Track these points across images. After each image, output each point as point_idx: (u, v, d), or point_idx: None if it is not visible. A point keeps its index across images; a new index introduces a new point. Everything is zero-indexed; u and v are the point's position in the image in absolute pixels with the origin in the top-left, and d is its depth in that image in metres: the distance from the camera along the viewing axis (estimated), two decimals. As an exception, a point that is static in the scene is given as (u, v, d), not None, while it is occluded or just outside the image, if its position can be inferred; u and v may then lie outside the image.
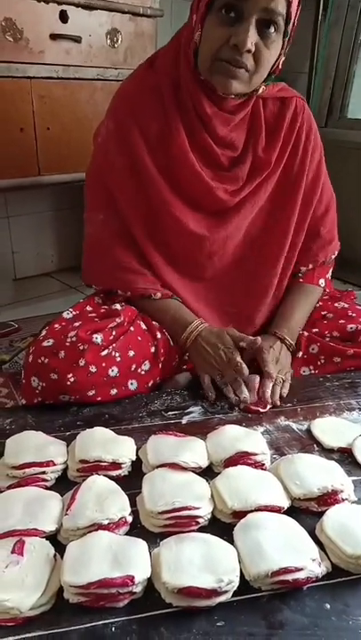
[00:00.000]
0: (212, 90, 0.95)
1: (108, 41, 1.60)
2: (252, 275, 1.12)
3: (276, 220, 1.11)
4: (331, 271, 1.22)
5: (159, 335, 1.05)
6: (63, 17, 1.47)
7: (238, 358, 0.99)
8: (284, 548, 0.63)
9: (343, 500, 0.74)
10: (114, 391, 0.99)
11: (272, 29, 0.88)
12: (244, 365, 0.98)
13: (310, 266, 1.17)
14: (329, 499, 0.73)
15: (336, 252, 1.21)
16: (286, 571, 0.61)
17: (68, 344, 0.95)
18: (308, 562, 0.62)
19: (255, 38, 0.87)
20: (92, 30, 1.55)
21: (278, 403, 0.99)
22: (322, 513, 0.70)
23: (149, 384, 1.04)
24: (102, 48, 1.59)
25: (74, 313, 1.05)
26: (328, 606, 0.61)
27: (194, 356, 1.05)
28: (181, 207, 1.04)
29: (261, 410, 0.97)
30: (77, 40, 1.52)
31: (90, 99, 1.62)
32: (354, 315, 1.14)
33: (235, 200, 1.06)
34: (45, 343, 0.96)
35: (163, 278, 1.07)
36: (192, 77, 0.96)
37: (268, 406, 0.98)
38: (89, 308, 1.07)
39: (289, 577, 0.61)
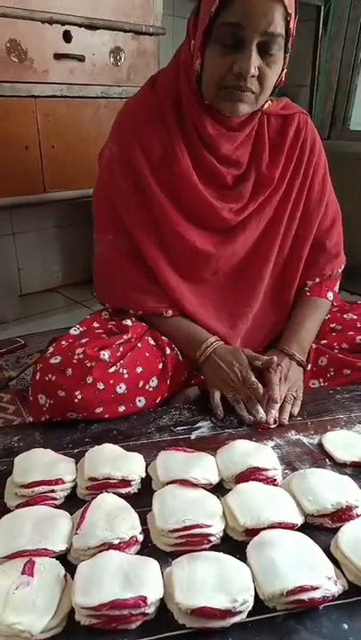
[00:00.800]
0: (216, 111, 0.96)
1: (112, 59, 1.62)
2: (253, 282, 1.12)
3: (277, 232, 1.11)
4: (338, 284, 1.22)
5: (168, 351, 1.05)
6: (67, 37, 1.50)
7: (253, 378, 0.97)
8: (299, 567, 0.62)
9: (358, 515, 0.72)
10: (122, 408, 0.98)
11: (273, 50, 0.88)
12: (259, 385, 0.96)
13: (317, 279, 1.17)
14: (343, 515, 0.71)
15: (343, 266, 1.21)
16: (302, 589, 0.59)
17: (75, 361, 0.95)
18: (323, 580, 0.61)
19: (258, 62, 0.87)
20: (96, 49, 1.57)
21: (286, 422, 0.97)
22: (337, 529, 0.69)
23: (157, 400, 1.03)
24: (106, 66, 1.62)
25: (81, 329, 1.05)
26: (346, 626, 0.59)
27: (207, 371, 1.04)
28: (186, 225, 1.04)
29: (272, 426, 0.96)
30: (81, 59, 1.54)
31: (94, 116, 1.64)
32: (362, 326, 1.13)
33: (239, 218, 1.06)
34: (53, 360, 0.96)
35: (173, 293, 1.06)
36: (194, 100, 0.97)
37: (273, 425, 0.96)
38: (96, 325, 1.07)
39: (305, 596, 0.59)
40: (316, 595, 0.60)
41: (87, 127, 1.63)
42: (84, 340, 0.99)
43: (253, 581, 0.61)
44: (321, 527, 0.72)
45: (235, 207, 1.05)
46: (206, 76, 0.92)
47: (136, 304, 1.07)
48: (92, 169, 1.67)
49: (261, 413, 0.95)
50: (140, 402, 1.00)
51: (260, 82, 0.90)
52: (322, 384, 1.11)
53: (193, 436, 0.94)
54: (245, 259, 1.10)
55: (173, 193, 1.02)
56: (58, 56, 1.50)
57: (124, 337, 1.00)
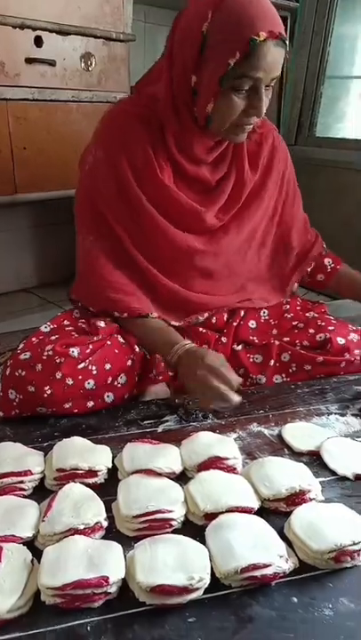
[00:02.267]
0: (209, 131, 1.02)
1: (83, 64, 1.65)
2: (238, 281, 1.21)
3: (260, 241, 1.22)
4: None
5: (137, 349, 1.08)
6: (38, 42, 1.52)
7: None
8: (253, 547, 0.66)
9: (311, 499, 0.77)
10: (90, 403, 1.01)
11: (272, 85, 0.96)
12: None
13: (327, 260, 1.30)
14: (297, 499, 0.76)
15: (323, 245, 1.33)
16: (255, 567, 0.63)
17: (44, 357, 0.97)
18: (275, 558, 0.65)
19: (264, 99, 0.95)
20: (67, 54, 1.60)
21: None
22: (290, 513, 0.73)
23: (125, 396, 1.06)
24: (77, 71, 1.64)
25: (51, 327, 1.07)
26: (295, 600, 0.63)
27: (181, 375, 1.00)
28: (171, 229, 1.08)
29: None
30: (52, 64, 1.57)
31: (65, 120, 1.66)
32: (323, 324, 1.18)
33: (220, 223, 1.12)
34: (22, 356, 0.98)
35: (158, 282, 1.10)
36: (187, 126, 1.01)
37: None
38: (66, 322, 1.10)
39: (257, 573, 0.63)
40: (268, 571, 0.64)
41: (59, 130, 1.65)
42: (53, 337, 1.02)
43: (211, 561, 0.65)
44: (276, 511, 0.76)
45: (215, 208, 1.11)
46: (219, 118, 0.97)
47: (121, 306, 1.07)
48: (63, 171, 1.70)
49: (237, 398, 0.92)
50: (109, 397, 1.03)
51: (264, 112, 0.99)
52: (284, 379, 1.16)
53: (160, 430, 0.98)
54: (228, 261, 1.17)
55: (156, 198, 1.05)
56: (29, 60, 1.52)
57: (95, 338, 1.03)
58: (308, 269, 1.29)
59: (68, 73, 1.63)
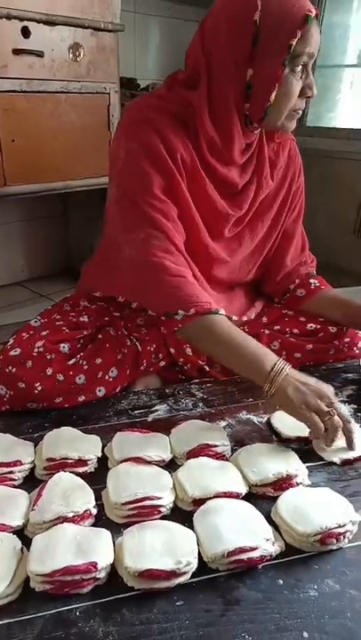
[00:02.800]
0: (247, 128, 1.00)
1: (71, 55, 1.64)
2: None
3: (263, 250, 1.19)
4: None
5: (128, 342, 1.08)
6: (25, 32, 1.51)
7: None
8: (240, 531, 0.67)
9: (298, 484, 0.78)
10: (81, 398, 1.01)
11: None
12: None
13: (312, 280, 1.22)
14: (284, 483, 0.77)
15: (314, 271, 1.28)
16: (241, 550, 0.64)
17: (35, 354, 0.97)
18: (262, 541, 0.66)
19: None
20: (55, 45, 1.59)
21: None
22: (278, 497, 0.74)
23: (117, 389, 1.07)
24: (65, 62, 1.63)
25: (42, 321, 1.07)
26: (281, 582, 0.64)
27: (292, 396, 0.85)
28: (203, 231, 1.05)
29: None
30: (40, 55, 1.56)
31: (54, 111, 1.65)
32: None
33: (235, 230, 1.10)
34: (13, 352, 0.98)
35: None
36: (231, 125, 0.97)
37: None
38: (57, 316, 1.09)
39: (244, 556, 0.64)
40: (255, 554, 0.65)
41: (48, 121, 1.64)
42: (44, 332, 1.02)
43: (199, 546, 0.66)
44: (264, 496, 0.77)
45: (241, 212, 1.08)
46: (280, 105, 0.94)
47: (188, 301, 0.91)
48: (53, 163, 1.69)
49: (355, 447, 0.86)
50: (100, 391, 1.03)
51: None
52: (275, 368, 1.17)
53: (150, 419, 0.99)
54: (236, 267, 1.16)
55: (195, 200, 1.01)
56: (17, 51, 1.51)
57: (84, 332, 1.03)
58: (291, 287, 1.21)
59: (56, 64, 1.61)
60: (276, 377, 0.85)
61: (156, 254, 0.94)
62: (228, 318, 0.95)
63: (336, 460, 0.85)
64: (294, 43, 0.89)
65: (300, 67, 0.92)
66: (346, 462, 0.85)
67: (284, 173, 1.15)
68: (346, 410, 0.86)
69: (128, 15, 2.13)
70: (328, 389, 0.87)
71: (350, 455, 0.86)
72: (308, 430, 0.90)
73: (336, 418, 0.82)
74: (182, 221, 1.00)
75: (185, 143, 0.97)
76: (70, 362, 0.98)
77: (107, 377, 1.04)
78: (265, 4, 0.88)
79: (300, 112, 1.00)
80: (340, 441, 0.85)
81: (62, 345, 0.99)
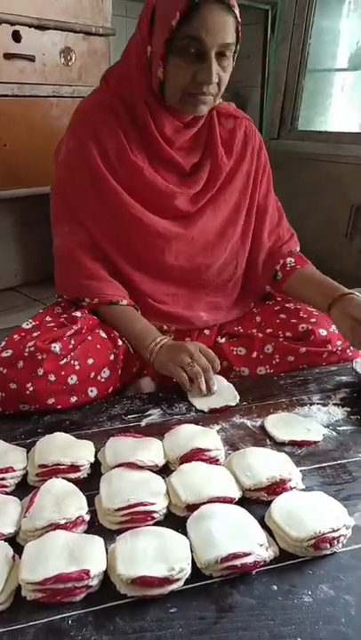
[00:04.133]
0: (173, 109, 1.03)
1: (62, 59, 1.64)
2: (210, 268, 1.19)
3: (236, 222, 1.20)
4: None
5: (120, 342, 1.08)
6: (16, 37, 1.51)
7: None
8: (234, 536, 0.67)
9: (291, 488, 0.78)
10: (74, 399, 1.01)
11: (227, 56, 0.97)
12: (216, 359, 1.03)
13: (280, 261, 1.23)
14: (278, 488, 0.77)
15: (298, 246, 1.29)
16: (235, 556, 0.64)
17: (26, 354, 0.97)
18: (255, 547, 0.65)
19: (216, 70, 0.96)
20: (46, 49, 1.59)
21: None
22: (271, 502, 0.74)
23: (109, 390, 1.07)
24: (57, 66, 1.63)
25: (33, 323, 1.07)
26: (275, 588, 0.64)
27: (163, 355, 1.03)
28: (147, 213, 1.09)
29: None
30: (31, 59, 1.56)
31: (46, 115, 1.65)
32: (305, 315, 1.19)
33: (196, 207, 1.13)
34: (4, 354, 0.98)
35: (129, 281, 1.11)
36: (153, 102, 1.03)
37: (237, 399, 1.03)
38: (48, 318, 1.09)
39: (237, 562, 0.64)
40: (248, 560, 0.64)
41: (39, 125, 1.64)
42: (35, 334, 1.01)
43: (192, 552, 0.66)
44: (258, 500, 0.77)
45: (192, 192, 1.12)
46: (170, 84, 0.98)
47: (92, 292, 1.09)
48: (46, 167, 1.68)
49: (214, 389, 1.01)
50: (92, 392, 1.03)
51: (218, 85, 0.99)
52: (268, 370, 1.17)
53: (143, 424, 0.98)
54: (203, 247, 1.16)
55: (131, 185, 1.07)
56: (8, 56, 1.51)
57: (74, 327, 1.03)
58: (276, 268, 1.23)
59: (47, 68, 1.62)
60: (155, 347, 1.04)
61: (75, 247, 1.09)
62: (134, 308, 1.11)
63: (205, 408, 0.99)
64: (174, 24, 0.90)
65: (193, 50, 0.93)
66: (213, 411, 0.99)
67: (242, 151, 1.17)
68: (205, 361, 1.01)
69: (119, 19, 2.13)
70: (193, 346, 1.02)
71: (217, 404, 1.00)
72: (301, 433, 0.91)
73: (196, 367, 0.99)
74: (118, 210, 1.07)
75: (119, 138, 1.04)
76: (62, 362, 0.98)
77: (99, 377, 1.04)
78: None
79: (206, 98, 0.99)
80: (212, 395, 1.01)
81: (53, 345, 0.98)
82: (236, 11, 0.94)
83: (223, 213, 1.18)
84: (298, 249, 1.28)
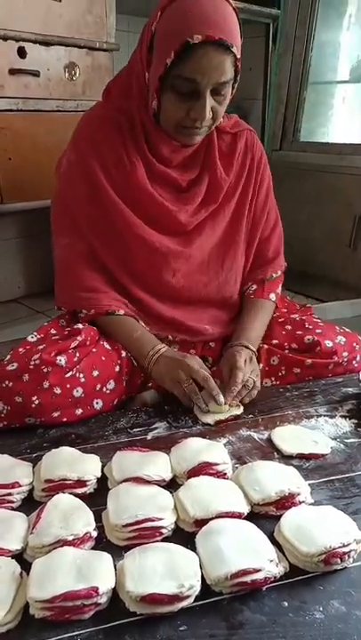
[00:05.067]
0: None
1: (67, 74, 1.65)
2: (210, 285, 1.18)
3: (234, 239, 1.19)
4: (280, 286, 1.28)
5: (124, 354, 1.08)
6: (21, 53, 1.52)
7: (204, 372, 1.02)
8: (243, 552, 0.66)
9: (300, 502, 0.77)
10: (79, 411, 1.00)
11: (224, 91, 0.96)
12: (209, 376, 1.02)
13: (251, 284, 1.23)
14: (287, 502, 0.76)
15: (282, 269, 1.27)
16: (245, 572, 0.63)
17: (31, 367, 0.97)
18: (265, 563, 0.65)
19: (211, 104, 0.95)
20: (51, 65, 1.60)
21: (246, 401, 1.04)
22: (280, 517, 0.73)
23: (114, 402, 1.06)
24: (61, 81, 1.65)
25: (38, 336, 1.07)
26: (286, 604, 0.63)
27: (161, 369, 1.05)
28: (146, 229, 1.09)
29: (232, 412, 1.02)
30: (36, 74, 1.57)
31: (50, 129, 1.66)
32: (311, 327, 1.19)
33: (195, 222, 1.13)
34: (9, 367, 0.98)
35: (129, 294, 1.11)
36: (149, 122, 1.03)
37: (241, 409, 1.03)
38: (53, 331, 1.09)
39: (247, 578, 0.63)
40: (259, 576, 0.64)
41: (43, 140, 1.65)
42: (40, 347, 1.01)
43: (201, 568, 0.65)
44: (266, 515, 0.76)
45: (190, 208, 1.11)
46: (164, 117, 0.99)
47: (89, 303, 1.09)
48: (49, 180, 1.69)
49: (221, 398, 1.00)
50: (98, 404, 1.03)
51: (214, 116, 0.99)
52: (274, 382, 1.17)
53: (149, 437, 0.98)
54: (202, 263, 1.16)
55: (130, 199, 1.07)
56: (13, 71, 1.52)
57: (78, 339, 1.03)
58: (245, 287, 1.24)
59: (52, 83, 1.63)
60: (153, 356, 1.05)
61: (74, 259, 1.10)
62: (135, 319, 1.11)
63: (210, 421, 0.98)
64: (168, 62, 0.90)
65: (187, 90, 0.92)
66: (219, 422, 0.98)
67: (242, 163, 1.16)
68: (204, 373, 1.01)
69: (122, 34, 2.15)
70: (190, 360, 1.03)
71: (222, 416, 0.99)
72: (309, 446, 0.91)
73: (191, 386, 1.00)
74: (117, 223, 1.07)
75: (120, 152, 1.05)
76: (67, 374, 0.98)
77: (104, 389, 1.04)
78: (163, 16, 0.91)
79: (199, 130, 1.00)
80: (214, 405, 1.00)
81: (59, 358, 0.98)
82: (235, 49, 0.90)
83: (222, 230, 1.17)
84: (277, 274, 1.25)
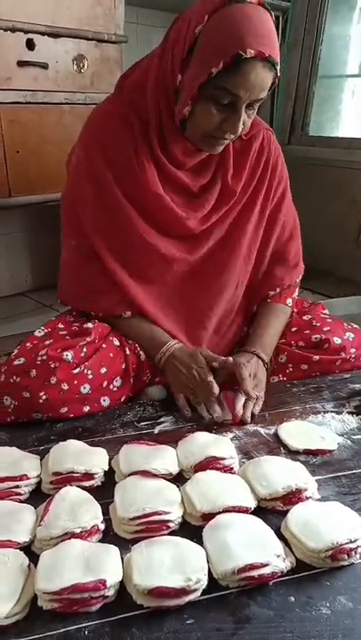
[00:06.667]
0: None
1: (75, 66, 1.64)
2: (210, 288, 1.15)
3: (239, 242, 1.14)
4: (297, 291, 1.26)
5: (128, 351, 1.08)
6: (30, 45, 1.52)
7: (210, 378, 1.00)
8: (250, 546, 0.66)
9: (307, 498, 0.77)
10: (86, 408, 1.01)
11: (258, 103, 0.93)
12: (214, 384, 0.99)
13: (278, 290, 1.21)
14: (294, 497, 0.76)
15: (301, 276, 1.26)
16: (252, 567, 0.63)
17: (39, 362, 0.97)
18: (272, 558, 0.65)
19: (243, 119, 0.92)
20: (59, 57, 1.60)
21: (249, 420, 0.99)
22: (287, 512, 0.73)
23: (121, 399, 1.06)
24: (69, 73, 1.64)
25: (45, 331, 1.07)
26: (293, 599, 0.63)
27: (168, 375, 1.07)
28: (152, 233, 1.06)
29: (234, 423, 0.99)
30: (44, 66, 1.56)
31: (58, 122, 1.66)
32: (318, 324, 1.18)
33: (203, 227, 1.09)
34: (17, 362, 0.98)
35: (132, 296, 1.08)
36: (169, 122, 0.98)
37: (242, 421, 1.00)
38: (60, 326, 1.09)
39: (254, 573, 0.63)
40: (266, 571, 0.64)
41: (52, 132, 1.65)
42: (47, 342, 1.01)
43: (208, 562, 0.65)
44: (273, 510, 0.76)
45: (199, 215, 1.08)
46: (194, 124, 0.94)
47: (96, 306, 1.10)
48: (57, 174, 1.69)
49: (218, 412, 0.98)
50: (105, 401, 1.03)
51: (243, 129, 0.95)
52: (281, 379, 1.16)
53: (156, 431, 0.98)
54: (203, 264, 1.13)
55: (138, 202, 1.03)
56: (21, 63, 1.51)
57: (87, 339, 1.02)
58: (270, 293, 1.20)
59: (60, 75, 1.62)
60: (162, 358, 1.06)
61: (81, 262, 1.10)
62: (144, 318, 1.10)
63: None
64: (214, 72, 0.86)
65: (226, 101, 0.89)
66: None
67: (255, 164, 1.12)
68: (205, 390, 1.00)
69: (131, 26, 2.14)
70: (199, 376, 1.01)
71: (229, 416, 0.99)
72: (315, 441, 0.90)
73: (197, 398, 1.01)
74: (123, 226, 1.05)
75: (129, 152, 1.00)
76: (75, 371, 0.98)
77: (111, 386, 1.04)
78: (212, 22, 0.86)
79: (226, 141, 0.98)
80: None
81: (65, 353, 0.98)
82: (278, 67, 0.88)
83: (228, 233, 1.13)
84: (299, 279, 1.25)
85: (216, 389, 0.99)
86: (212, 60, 0.86)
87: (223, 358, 1.03)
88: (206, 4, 0.88)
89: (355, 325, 1.21)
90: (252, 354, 1.10)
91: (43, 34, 1.53)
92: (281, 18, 2.30)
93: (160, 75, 0.96)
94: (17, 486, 0.79)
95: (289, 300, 1.22)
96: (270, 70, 0.87)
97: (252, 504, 0.75)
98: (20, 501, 0.78)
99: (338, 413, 1.02)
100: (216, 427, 0.98)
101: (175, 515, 0.73)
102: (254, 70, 0.85)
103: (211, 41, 0.87)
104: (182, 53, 0.90)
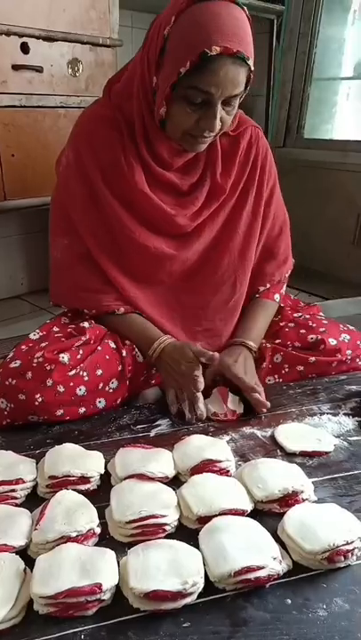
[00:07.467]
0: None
1: (70, 70, 1.65)
2: (206, 286, 1.16)
3: (230, 239, 1.15)
4: (285, 286, 1.27)
5: (125, 353, 1.07)
6: (24, 48, 1.52)
7: (197, 372, 1.00)
8: (247, 549, 0.66)
9: (304, 500, 0.77)
10: (82, 410, 1.00)
11: (234, 101, 0.94)
12: (200, 379, 0.99)
13: (268, 285, 1.22)
14: (290, 500, 0.76)
15: (290, 271, 1.26)
16: (248, 570, 0.63)
17: (34, 364, 0.97)
18: (269, 560, 0.65)
19: (221, 115, 0.93)
20: (54, 60, 1.60)
21: (268, 405, 1.02)
22: (284, 514, 0.73)
23: (117, 401, 1.06)
24: (64, 77, 1.64)
25: (40, 334, 1.07)
26: (289, 601, 0.63)
27: (160, 370, 1.08)
28: (142, 231, 1.07)
29: (230, 418, 1.01)
30: (39, 70, 1.57)
31: (53, 125, 1.66)
32: (314, 325, 1.18)
33: (193, 225, 1.10)
34: (12, 364, 0.98)
35: (126, 295, 1.10)
36: (151, 126, 1.00)
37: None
38: (56, 329, 1.09)
39: (251, 575, 0.63)
40: (262, 574, 0.64)
41: (47, 136, 1.65)
42: (43, 344, 1.01)
43: (204, 565, 0.65)
44: (270, 512, 0.76)
45: (189, 212, 1.09)
46: (171, 124, 0.96)
47: (89, 303, 1.10)
48: (53, 177, 1.69)
49: (201, 410, 0.99)
50: (101, 403, 1.03)
51: (222, 125, 0.96)
52: (277, 380, 1.16)
53: (152, 434, 0.98)
54: (198, 263, 1.13)
55: (127, 201, 1.04)
56: (16, 67, 1.52)
57: (82, 339, 1.03)
58: (260, 288, 1.21)
59: (55, 79, 1.62)
60: (154, 354, 1.06)
61: (73, 260, 1.10)
62: (138, 315, 1.10)
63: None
64: (182, 71, 0.87)
65: (199, 100, 0.90)
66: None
67: (244, 161, 1.12)
68: (192, 391, 1.00)
69: (126, 30, 2.15)
70: (186, 371, 1.00)
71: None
72: (312, 443, 0.91)
73: (184, 396, 1.01)
74: (113, 225, 1.06)
75: (117, 153, 1.02)
76: (71, 373, 0.98)
77: (107, 388, 1.03)
78: (178, 22, 0.87)
79: (206, 139, 0.98)
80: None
81: (62, 355, 0.98)
82: (250, 61, 0.89)
83: (220, 231, 1.14)
84: (287, 274, 1.25)
85: (201, 384, 0.99)
86: (180, 59, 0.87)
87: (211, 353, 1.02)
88: (174, 4, 0.89)
89: (351, 327, 1.22)
90: (240, 345, 1.11)
91: (37, 37, 1.54)
92: (275, 21, 2.31)
93: (140, 78, 0.98)
94: (13, 490, 0.79)
95: (277, 296, 1.23)
96: (241, 66, 0.88)
97: (249, 507, 0.75)
98: (16, 505, 0.78)
99: (334, 415, 1.02)
100: (213, 429, 0.98)
101: (171, 518, 0.73)
102: (223, 67, 0.86)
103: (178, 41, 0.88)
104: (155, 55, 0.92)
